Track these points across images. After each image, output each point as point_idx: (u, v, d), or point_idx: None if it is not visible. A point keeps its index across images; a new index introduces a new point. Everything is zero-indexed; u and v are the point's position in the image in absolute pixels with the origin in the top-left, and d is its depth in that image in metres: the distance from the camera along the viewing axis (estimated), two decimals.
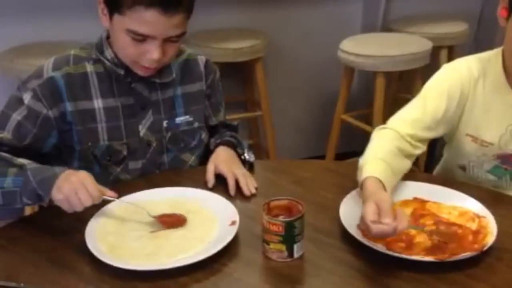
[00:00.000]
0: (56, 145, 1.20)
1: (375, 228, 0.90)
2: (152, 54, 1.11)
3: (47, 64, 1.18)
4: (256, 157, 1.31)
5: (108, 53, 1.18)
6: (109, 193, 1.05)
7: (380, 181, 1.02)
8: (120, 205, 1.08)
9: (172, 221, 1.05)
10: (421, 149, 1.20)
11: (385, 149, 1.13)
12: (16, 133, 1.14)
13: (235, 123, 1.42)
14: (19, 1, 2.15)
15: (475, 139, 1.22)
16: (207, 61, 1.32)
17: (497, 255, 0.95)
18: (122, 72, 1.18)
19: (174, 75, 1.25)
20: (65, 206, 1.02)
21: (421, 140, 1.20)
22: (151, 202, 1.10)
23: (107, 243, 0.99)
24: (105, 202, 1.06)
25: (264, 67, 2.33)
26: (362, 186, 1.04)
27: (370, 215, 0.92)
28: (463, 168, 1.28)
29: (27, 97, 1.14)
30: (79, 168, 1.21)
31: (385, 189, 1.02)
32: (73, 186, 1.01)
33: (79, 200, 1.00)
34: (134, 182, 1.22)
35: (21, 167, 1.07)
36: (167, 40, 1.11)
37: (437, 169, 1.43)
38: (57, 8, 2.18)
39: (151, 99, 1.23)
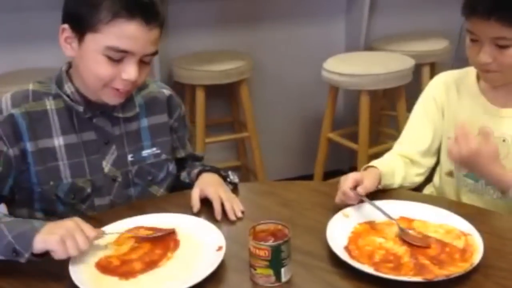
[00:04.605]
0: (12, 187, 1.14)
1: None
2: (129, 73, 1.08)
3: (4, 100, 1.13)
4: (244, 178, 1.31)
5: (68, 87, 1.15)
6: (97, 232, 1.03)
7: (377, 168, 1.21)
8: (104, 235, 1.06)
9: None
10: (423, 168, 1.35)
11: (387, 158, 1.33)
12: None
13: (201, 154, 1.41)
14: None
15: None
16: (170, 96, 1.30)
17: (484, 272, 0.95)
18: (81, 109, 1.15)
19: (137, 110, 1.23)
20: (58, 249, 0.95)
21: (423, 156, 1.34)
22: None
23: (92, 274, 0.98)
24: None
25: (250, 88, 2.34)
26: None
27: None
28: (450, 174, 1.34)
29: None
30: (41, 209, 1.16)
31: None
32: (68, 229, 0.97)
33: (75, 243, 0.95)
34: (118, 210, 1.20)
35: None
36: (141, 61, 1.10)
37: (427, 188, 1.46)
38: (32, 36, 2.16)
39: (114, 134, 1.20)
